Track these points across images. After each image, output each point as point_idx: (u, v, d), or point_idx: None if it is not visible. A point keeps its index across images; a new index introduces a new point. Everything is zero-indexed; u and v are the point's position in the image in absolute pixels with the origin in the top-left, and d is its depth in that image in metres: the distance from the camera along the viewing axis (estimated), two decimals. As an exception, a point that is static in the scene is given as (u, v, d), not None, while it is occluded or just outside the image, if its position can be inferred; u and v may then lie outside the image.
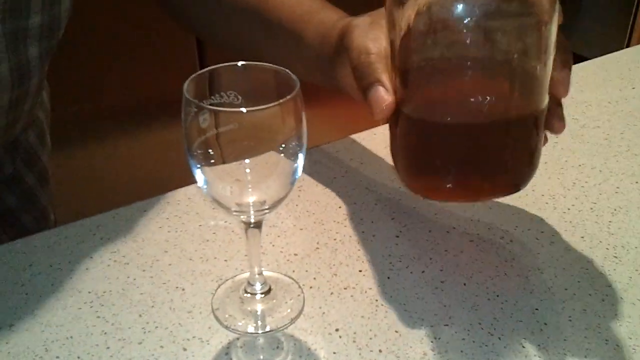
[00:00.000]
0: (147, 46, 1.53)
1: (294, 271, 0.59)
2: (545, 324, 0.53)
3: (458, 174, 0.52)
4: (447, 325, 0.54)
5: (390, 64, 0.52)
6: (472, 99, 0.48)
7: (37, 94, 0.70)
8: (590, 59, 0.96)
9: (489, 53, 0.48)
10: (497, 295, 0.56)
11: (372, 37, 0.54)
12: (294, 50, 0.64)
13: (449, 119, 0.49)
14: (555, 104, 0.52)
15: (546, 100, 0.50)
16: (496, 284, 0.57)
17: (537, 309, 0.55)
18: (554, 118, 0.52)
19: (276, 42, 0.67)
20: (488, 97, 0.48)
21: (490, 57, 0.48)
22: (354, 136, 0.78)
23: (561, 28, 0.50)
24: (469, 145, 0.50)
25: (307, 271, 0.59)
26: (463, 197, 0.56)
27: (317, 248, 0.62)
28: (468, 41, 0.47)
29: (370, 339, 0.52)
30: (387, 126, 0.80)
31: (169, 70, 1.58)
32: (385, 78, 0.52)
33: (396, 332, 0.53)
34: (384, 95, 0.51)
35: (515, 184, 0.53)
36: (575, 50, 0.56)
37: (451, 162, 0.51)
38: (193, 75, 0.47)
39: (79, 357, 0.51)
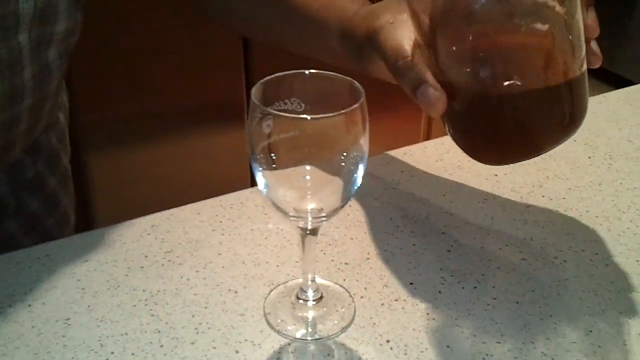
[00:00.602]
0: (194, 50, 1.54)
1: (344, 280, 0.59)
2: (600, 346, 0.53)
3: (527, 133, 0.52)
4: (499, 342, 0.53)
5: (427, 57, 0.52)
6: (521, 62, 0.49)
7: (56, 95, 0.70)
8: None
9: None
10: (550, 315, 0.56)
11: (401, 37, 0.54)
12: (320, 41, 0.65)
13: (504, 84, 0.50)
14: (587, 43, 0.53)
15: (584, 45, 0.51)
16: (549, 304, 0.57)
17: (590, 331, 0.54)
18: (589, 55, 0.53)
19: (301, 33, 0.67)
20: (537, 56, 0.49)
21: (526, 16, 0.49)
22: (405, 149, 0.78)
23: (612, 51, 0.51)
24: (531, 106, 0.51)
25: (357, 281, 0.59)
26: (535, 152, 0.55)
27: (368, 258, 0.62)
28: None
29: (422, 352, 0.52)
30: (437, 141, 0.80)
31: (215, 75, 1.59)
32: (429, 76, 0.52)
33: (447, 347, 0.53)
34: (435, 92, 0.51)
35: (576, 126, 0.54)
36: (628, 75, 0.57)
37: (519, 125, 0.52)
38: (261, 81, 0.48)
39: (133, 354, 0.52)
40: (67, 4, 0.61)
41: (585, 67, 0.51)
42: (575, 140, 0.79)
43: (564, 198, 0.70)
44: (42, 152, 0.76)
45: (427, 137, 1.96)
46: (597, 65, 0.55)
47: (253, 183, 1.75)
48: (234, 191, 0.70)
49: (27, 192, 0.74)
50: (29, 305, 0.56)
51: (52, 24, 0.60)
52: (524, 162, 0.75)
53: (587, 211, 0.68)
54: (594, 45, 0.54)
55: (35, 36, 0.59)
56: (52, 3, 0.59)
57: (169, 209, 0.67)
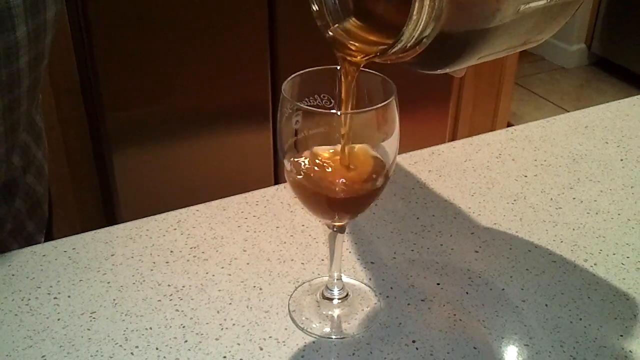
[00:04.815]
0: (219, 49, 1.55)
1: (370, 279, 0.59)
2: (631, 351, 0.52)
3: None
4: (527, 345, 0.52)
5: None
6: None
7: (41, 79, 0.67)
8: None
9: None
10: (580, 319, 0.55)
11: None
12: None
13: None
14: None
15: None
16: (579, 307, 0.56)
17: (621, 335, 0.53)
18: None
19: None
20: None
21: None
22: (433, 148, 0.77)
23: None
24: None
25: (383, 280, 0.59)
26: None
27: (394, 258, 0.61)
28: None
29: (448, 353, 0.51)
30: (465, 141, 0.79)
31: (240, 74, 1.59)
32: None
33: (474, 348, 0.52)
34: None
35: None
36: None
37: None
38: (291, 76, 0.47)
39: (157, 349, 0.51)
40: None
41: None
42: (607, 142, 0.78)
43: (595, 200, 0.69)
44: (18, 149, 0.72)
45: (453, 137, 1.94)
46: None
47: (277, 181, 1.75)
48: (257, 189, 0.70)
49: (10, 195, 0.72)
50: (55, 298, 0.56)
51: (43, 12, 0.60)
52: (554, 164, 0.74)
53: (619, 214, 0.67)
54: None
55: (32, 29, 0.59)
56: None
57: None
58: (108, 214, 1.65)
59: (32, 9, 0.57)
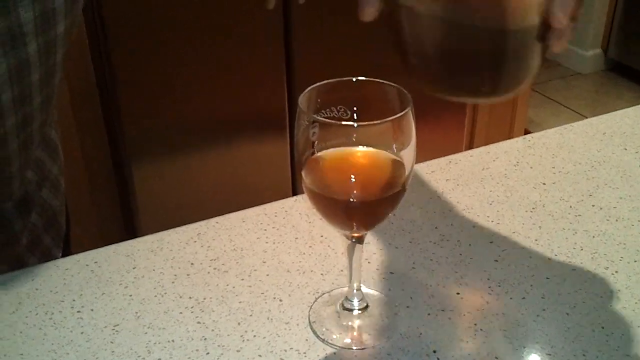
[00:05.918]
0: (236, 60, 1.56)
1: (390, 289, 0.59)
2: (654, 360, 0.51)
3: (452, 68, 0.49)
4: (549, 354, 0.52)
5: None
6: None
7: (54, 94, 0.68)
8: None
9: None
10: (602, 327, 0.54)
11: None
12: None
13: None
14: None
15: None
16: (601, 316, 0.55)
17: (644, 344, 0.53)
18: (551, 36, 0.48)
19: None
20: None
21: None
22: (450, 157, 0.77)
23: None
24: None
25: (403, 290, 0.59)
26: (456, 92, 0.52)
27: (413, 268, 0.61)
28: None
29: (469, 363, 0.51)
30: (482, 149, 0.79)
31: (257, 85, 1.60)
32: None
33: (496, 358, 0.52)
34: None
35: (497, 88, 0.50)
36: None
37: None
38: (308, 88, 0.48)
39: (179, 361, 0.52)
40: (63, 4, 0.60)
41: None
42: (625, 149, 0.77)
43: (615, 207, 0.68)
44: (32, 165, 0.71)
45: (470, 146, 1.94)
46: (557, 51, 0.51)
47: (295, 192, 1.75)
48: (276, 200, 0.70)
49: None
50: (78, 312, 0.57)
51: (54, 28, 0.60)
52: (572, 171, 0.74)
53: (639, 221, 0.66)
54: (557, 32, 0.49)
55: (43, 44, 0.60)
56: (48, 7, 0.59)
57: (212, 217, 0.68)
58: (127, 223, 1.66)
59: (42, 25, 0.58)
